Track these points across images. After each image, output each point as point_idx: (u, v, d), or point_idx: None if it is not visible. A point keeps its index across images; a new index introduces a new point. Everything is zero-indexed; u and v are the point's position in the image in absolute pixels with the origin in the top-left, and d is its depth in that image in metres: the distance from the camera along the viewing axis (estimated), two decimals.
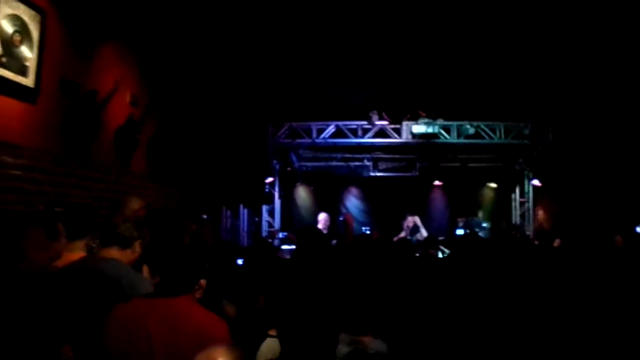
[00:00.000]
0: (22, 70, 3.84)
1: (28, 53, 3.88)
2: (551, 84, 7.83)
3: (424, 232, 8.63)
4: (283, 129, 10.14)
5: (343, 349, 2.52)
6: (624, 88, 7.68)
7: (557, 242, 4.79)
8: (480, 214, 11.60)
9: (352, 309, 3.15)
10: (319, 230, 6.69)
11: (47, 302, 2.51)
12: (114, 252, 2.81)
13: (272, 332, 3.43)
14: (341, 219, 8.39)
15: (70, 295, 2.55)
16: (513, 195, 12.08)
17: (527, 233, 11.33)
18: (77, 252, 2.86)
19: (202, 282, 2.43)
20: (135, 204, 4.30)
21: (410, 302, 3.07)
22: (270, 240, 8.78)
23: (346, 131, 10.03)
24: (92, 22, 4.80)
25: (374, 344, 2.59)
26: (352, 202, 12.41)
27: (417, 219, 8.93)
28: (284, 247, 7.14)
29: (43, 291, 2.54)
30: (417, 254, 4.96)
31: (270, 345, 2.80)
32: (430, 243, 5.75)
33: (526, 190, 11.70)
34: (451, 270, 3.51)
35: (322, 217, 8.73)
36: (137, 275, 2.67)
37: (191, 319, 2.15)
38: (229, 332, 2.19)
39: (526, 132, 9.80)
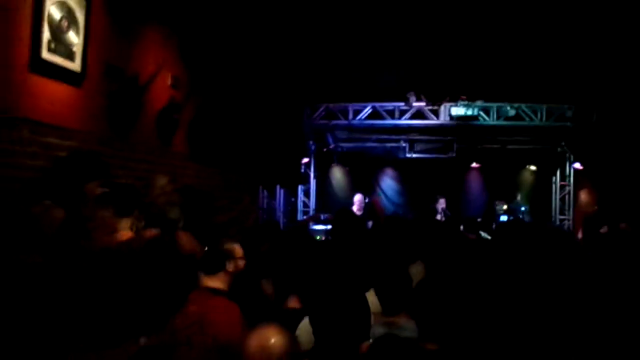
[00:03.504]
0: (70, 55, 3.97)
1: (74, 38, 4.01)
2: (596, 64, 7.55)
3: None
4: (319, 110, 10.16)
5: (378, 330, 2.57)
6: None
7: (604, 229, 4.63)
8: (519, 197, 11.38)
9: (387, 289, 3.18)
10: (353, 213, 6.74)
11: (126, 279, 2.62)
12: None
13: None
14: (367, 200, 8.43)
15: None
16: (554, 179, 11.81)
17: (567, 218, 11.14)
18: (125, 232, 2.91)
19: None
20: (162, 180, 4.39)
21: (448, 285, 3.07)
22: (309, 225, 8.86)
23: (383, 112, 9.97)
24: (134, 6, 4.90)
25: (408, 325, 2.62)
26: (387, 183, 12.36)
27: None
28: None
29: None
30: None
31: (308, 325, 2.87)
32: (469, 226, 5.69)
33: (567, 173, 11.42)
34: (494, 257, 3.46)
35: (358, 198, 8.76)
36: None
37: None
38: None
39: (569, 114, 9.52)
